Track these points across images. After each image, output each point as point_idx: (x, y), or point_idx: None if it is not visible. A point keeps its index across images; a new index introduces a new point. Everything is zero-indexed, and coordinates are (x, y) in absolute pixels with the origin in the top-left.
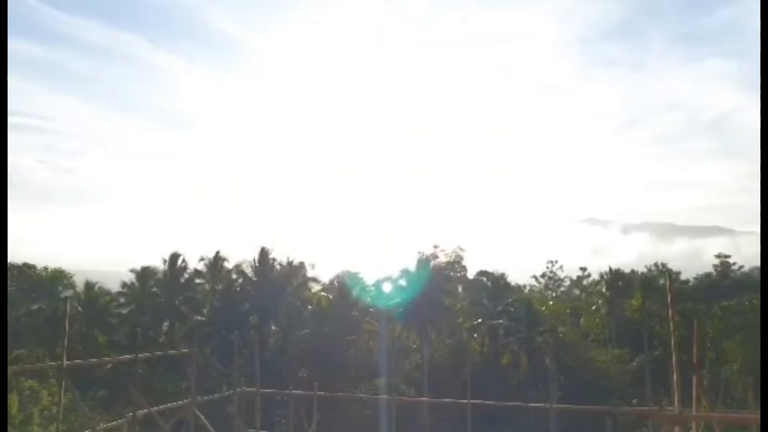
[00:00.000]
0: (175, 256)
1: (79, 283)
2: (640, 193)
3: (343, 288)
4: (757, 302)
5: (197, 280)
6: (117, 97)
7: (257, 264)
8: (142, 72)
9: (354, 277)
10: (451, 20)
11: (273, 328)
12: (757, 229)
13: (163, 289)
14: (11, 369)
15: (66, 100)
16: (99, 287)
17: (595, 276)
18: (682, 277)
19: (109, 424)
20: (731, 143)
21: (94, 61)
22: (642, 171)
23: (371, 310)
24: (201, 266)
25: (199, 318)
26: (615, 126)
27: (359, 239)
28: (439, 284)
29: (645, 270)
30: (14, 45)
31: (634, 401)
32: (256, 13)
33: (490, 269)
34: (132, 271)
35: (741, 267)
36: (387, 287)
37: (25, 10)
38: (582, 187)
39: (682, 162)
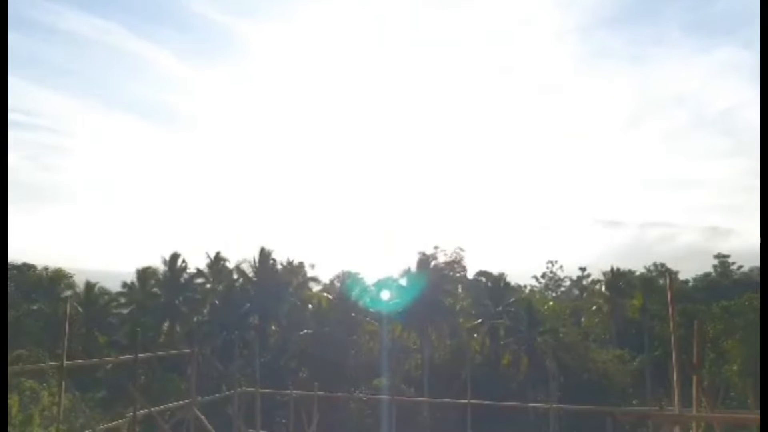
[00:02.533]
0: (175, 256)
1: (79, 283)
2: (642, 191)
3: (343, 288)
4: (757, 302)
5: (197, 280)
6: (111, 93)
7: (257, 264)
8: (139, 68)
9: (354, 277)
10: (449, 18)
11: (273, 328)
12: (758, 228)
13: (163, 289)
14: (11, 369)
15: (53, 94)
16: (99, 287)
17: (595, 276)
18: (682, 277)
19: (109, 425)
20: (737, 139)
21: (81, 53)
22: (643, 169)
23: (371, 310)
24: (201, 266)
25: (199, 318)
26: (617, 122)
27: (360, 239)
28: (440, 284)
29: (645, 270)
30: None
31: (634, 401)
32: (255, 10)
33: (490, 269)
34: (134, 270)
35: (741, 267)
36: (387, 287)
37: None
38: (582, 187)
39: (684, 160)
